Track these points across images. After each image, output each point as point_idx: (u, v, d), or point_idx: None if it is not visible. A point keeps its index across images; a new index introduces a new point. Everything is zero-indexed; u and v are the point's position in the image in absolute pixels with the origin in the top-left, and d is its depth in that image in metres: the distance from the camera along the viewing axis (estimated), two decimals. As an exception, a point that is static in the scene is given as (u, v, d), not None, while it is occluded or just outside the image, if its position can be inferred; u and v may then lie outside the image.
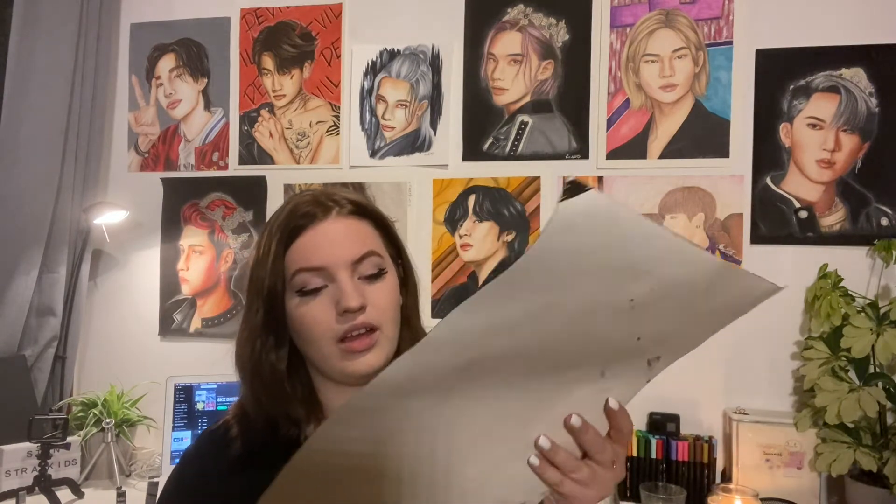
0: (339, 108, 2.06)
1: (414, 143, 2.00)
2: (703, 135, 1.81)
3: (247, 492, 0.74)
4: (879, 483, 1.49)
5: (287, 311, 0.77)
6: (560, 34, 1.91)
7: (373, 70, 2.04)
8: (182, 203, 2.16)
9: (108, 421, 1.86)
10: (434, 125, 1.99)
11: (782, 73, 1.76)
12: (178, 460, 0.84)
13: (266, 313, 0.78)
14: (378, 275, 0.77)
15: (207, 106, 2.17)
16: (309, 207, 0.78)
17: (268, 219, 0.82)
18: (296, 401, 0.78)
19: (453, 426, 0.56)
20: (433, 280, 1.95)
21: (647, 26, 1.86)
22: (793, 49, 1.76)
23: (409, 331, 0.82)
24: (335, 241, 0.76)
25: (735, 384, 1.77)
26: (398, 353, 0.80)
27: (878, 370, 1.55)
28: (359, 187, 2.01)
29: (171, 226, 2.16)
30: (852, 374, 1.56)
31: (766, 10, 1.79)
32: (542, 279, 0.49)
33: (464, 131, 1.96)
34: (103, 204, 2.09)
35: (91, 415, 1.88)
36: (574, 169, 1.88)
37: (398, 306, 0.79)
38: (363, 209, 0.80)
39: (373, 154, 2.03)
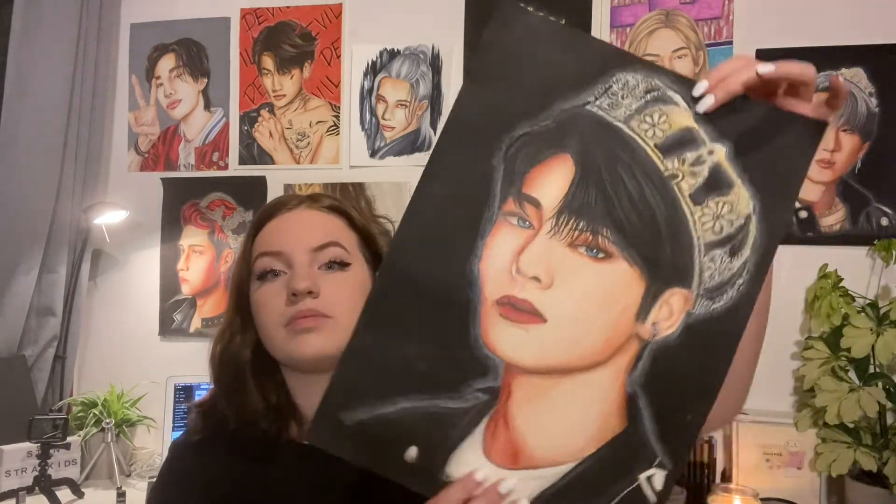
0: (339, 108, 2.06)
1: (414, 143, 2.01)
2: (703, 135, 1.81)
3: (230, 477, 0.76)
4: (879, 483, 1.49)
5: (251, 297, 0.77)
6: (560, 34, 1.91)
7: (373, 70, 2.04)
8: (182, 203, 2.16)
9: (108, 421, 1.86)
10: (434, 125, 1.99)
11: (782, 73, 1.76)
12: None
13: (235, 301, 0.79)
14: (340, 269, 0.76)
15: (207, 106, 2.17)
16: (281, 200, 0.80)
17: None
18: (259, 395, 0.77)
19: None
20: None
21: (647, 26, 1.86)
22: (793, 49, 1.76)
23: None
24: (298, 227, 0.77)
25: (735, 384, 1.77)
26: None
27: (878, 370, 1.55)
28: (359, 188, 2.00)
29: (171, 226, 2.16)
30: (852, 374, 1.56)
31: (766, 10, 1.79)
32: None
33: (464, 131, 1.96)
34: (103, 204, 2.09)
35: (91, 415, 1.88)
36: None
37: (360, 299, 0.75)
38: (341, 209, 0.80)
39: (373, 154, 2.03)
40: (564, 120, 0.65)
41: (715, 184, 0.63)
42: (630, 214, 0.63)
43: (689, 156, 0.63)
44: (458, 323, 0.63)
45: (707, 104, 0.62)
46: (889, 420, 1.57)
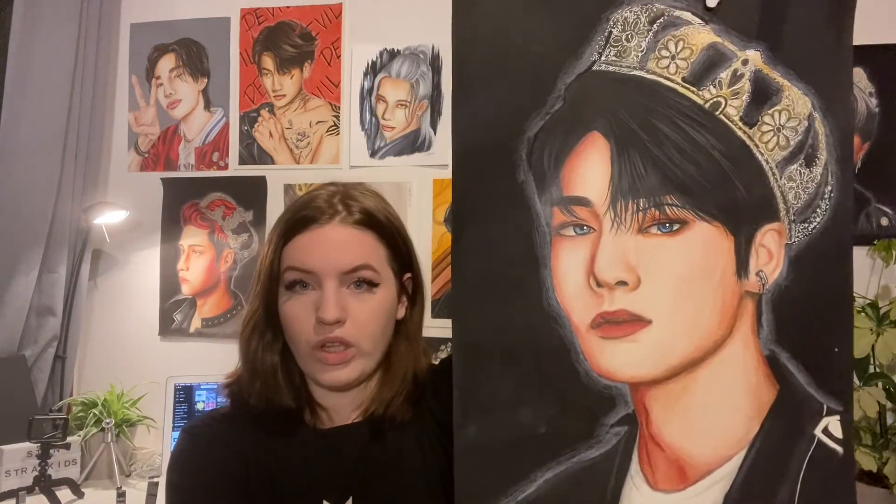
0: (339, 108, 2.06)
1: (414, 143, 2.00)
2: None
3: (256, 454, 0.77)
4: (879, 483, 1.49)
5: (279, 305, 0.78)
6: (560, 34, 1.91)
7: (373, 70, 2.04)
8: (182, 203, 2.16)
9: (108, 421, 1.86)
10: (434, 125, 1.99)
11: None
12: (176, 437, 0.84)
13: (264, 303, 0.79)
14: (368, 289, 0.76)
15: (207, 106, 2.17)
16: (317, 206, 0.78)
17: (278, 214, 0.82)
18: (288, 390, 0.79)
19: None
20: (433, 280, 1.95)
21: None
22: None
23: (409, 344, 0.82)
24: (330, 248, 0.75)
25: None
26: (391, 365, 0.81)
27: (878, 370, 1.55)
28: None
29: (171, 226, 2.15)
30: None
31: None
32: None
33: (464, 131, 1.96)
34: (103, 204, 2.09)
35: (91, 415, 1.88)
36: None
37: (386, 322, 0.79)
38: (372, 220, 0.79)
39: (373, 154, 2.03)
40: (575, 93, 0.57)
41: (762, 95, 0.56)
42: (685, 167, 0.56)
43: (724, 75, 0.56)
44: (560, 367, 0.56)
45: None
46: (889, 420, 1.57)
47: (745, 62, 0.57)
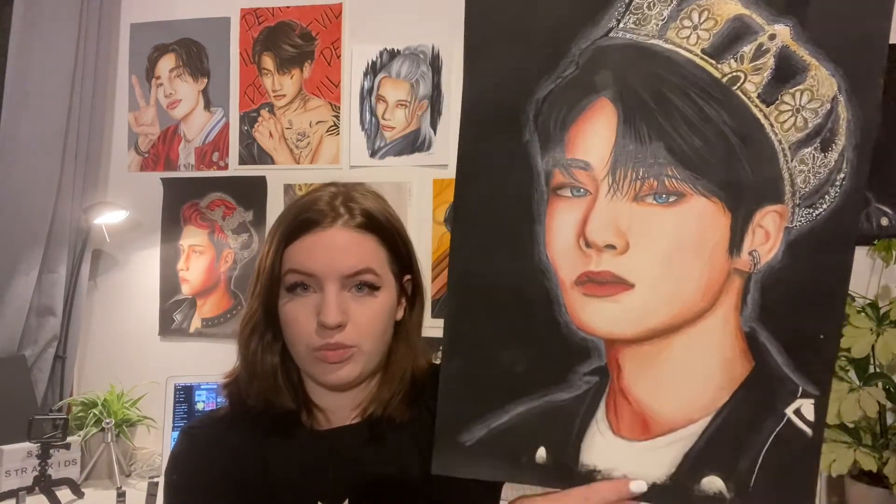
0: (339, 108, 2.06)
1: (414, 143, 2.00)
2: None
3: (253, 456, 0.77)
4: (879, 483, 1.49)
5: (279, 307, 0.78)
6: (560, 34, 1.91)
7: (373, 70, 2.04)
8: (182, 203, 2.16)
9: (108, 421, 1.86)
10: (434, 125, 1.99)
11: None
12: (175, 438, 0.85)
13: (264, 305, 0.79)
14: (369, 292, 0.76)
15: (207, 106, 2.17)
16: (319, 209, 0.77)
17: (277, 214, 0.82)
18: (287, 391, 0.79)
19: None
20: (433, 280, 1.95)
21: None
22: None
23: (407, 345, 0.82)
24: (333, 251, 0.75)
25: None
26: (389, 366, 0.81)
27: (878, 370, 1.55)
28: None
29: (171, 226, 2.15)
30: (852, 374, 1.56)
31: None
32: None
33: (464, 131, 1.96)
34: (103, 204, 2.09)
35: (91, 415, 1.88)
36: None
37: (387, 324, 0.79)
38: (373, 223, 0.78)
39: (373, 154, 2.03)
40: (589, 59, 0.56)
41: (786, 73, 0.54)
42: (692, 141, 0.55)
43: (748, 49, 0.54)
44: (543, 316, 0.59)
45: None
46: (889, 420, 1.57)
47: (771, 37, 0.55)
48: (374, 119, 2.03)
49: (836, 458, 1.52)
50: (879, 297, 1.66)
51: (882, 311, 1.54)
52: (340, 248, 0.76)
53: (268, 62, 2.12)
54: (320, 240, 0.76)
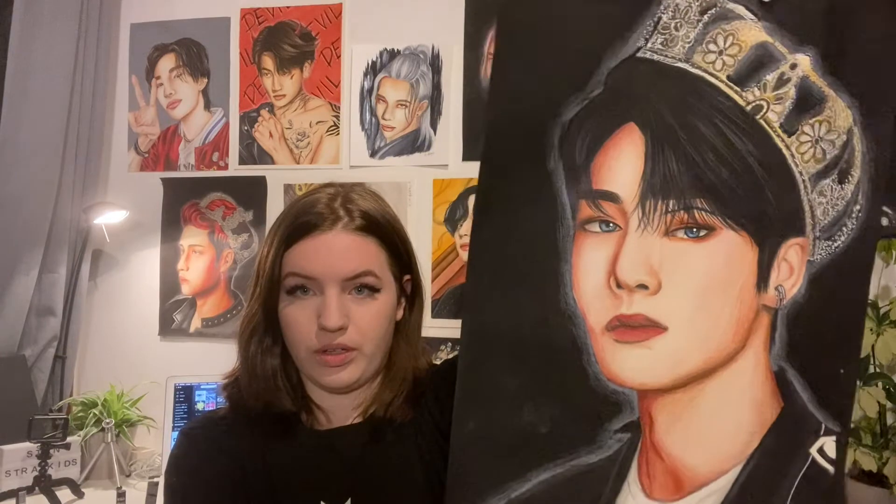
0: (339, 108, 2.06)
1: (414, 143, 2.00)
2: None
3: (253, 456, 0.77)
4: (879, 483, 1.49)
5: (279, 310, 0.78)
6: (560, 34, 1.91)
7: (373, 70, 2.04)
8: (182, 203, 2.16)
9: (108, 421, 1.86)
10: (434, 125, 1.99)
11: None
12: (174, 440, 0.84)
13: (264, 307, 0.79)
14: (370, 294, 0.76)
15: (207, 106, 2.17)
16: (318, 211, 0.77)
17: (277, 214, 0.82)
18: (287, 393, 0.79)
19: None
20: (433, 280, 1.95)
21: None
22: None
23: (408, 345, 0.82)
24: (332, 254, 0.75)
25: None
26: (390, 366, 0.81)
27: (878, 370, 1.55)
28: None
29: (171, 226, 2.15)
30: (852, 374, 1.56)
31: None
32: None
33: (464, 131, 1.96)
34: (103, 204, 2.09)
35: (91, 415, 1.88)
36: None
37: (388, 325, 0.79)
38: (373, 225, 0.78)
39: (373, 154, 2.03)
40: (617, 80, 0.54)
41: (806, 103, 0.53)
42: (719, 172, 0.53)
43: (770, 78, 0.53)
44: (571, 367, 0.54)
45: None
46: (889, 420, 1.57)
47: (793, 66, 0.54)
48: (374, 119, 2.03)
49: (836, 458, 1.52)
50: (879, 297, 1.66)
51: (882, 311, 1.54)
52: (340, 251, 0.75)
53: (268, 62, 2.12)
54: (320, 243, 0.75)
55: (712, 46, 0.54)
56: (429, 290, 1.95)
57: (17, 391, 1.93)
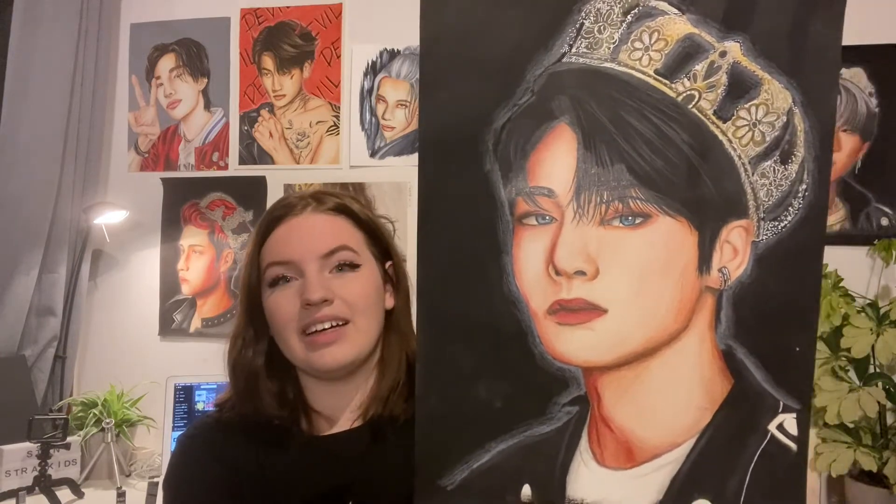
0: (339, 108, 2.06)
1: (414, 143, 2.00)
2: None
3: (250, 465, 0.77)
4: (879, 483, 1.49)
5: (263, 304, 0.78)
6: (560, 34, 1.91)
7: (373, 70, 2.04)
8: (182, 203, 2.16)
9: (108, 421, 1.86)
10: (434, 125, 1.99)
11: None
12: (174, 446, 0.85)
13: (246, 308, 0.80)
14: (351, 270, 0.76)
15: (207, 106, 2.17)
16: (288, 203, 0.78)
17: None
18: (272, 397, 0.78)
19: None
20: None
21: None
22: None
23: (398, 335, 0.82)
24: (305, 235, 0.76)
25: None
26: (384, 356, 0.81)
27: (878, 370, 1.55)
28: (359, 188, 2.00)
29: (171, 226, 2.15)
30: (852, 374, 1.56)
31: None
32: None
33: (464, 131, 1.96)
34: (103, 204, 2.09)
35: (91, 415, 1.88)
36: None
37: (376, 300, 0.79)
38: (344, 208, 0.79)
39: (373, 154, 2.03)
40: (544, 85, 0.57)
41: (739, 88, 0.55)
42: (653, 162, 0.55)
43: (700, 68, 0.55)
44: (517, 348, 0.57)
45: None
46: (889, 420, 1.57)
47: (722, 54, 0.55)
48: (374, 119, 2.03)
49: (836, 458, 1.52)
50: (879, 297, 1.66)
51: (882, 311, 1.54)
52: (313, 230, 0.76)
53: (268, 62, 2.12)
54: (292, 227, 0.76)
55: (637, 44, 0.56)
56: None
57: (17, 391, 1.93)
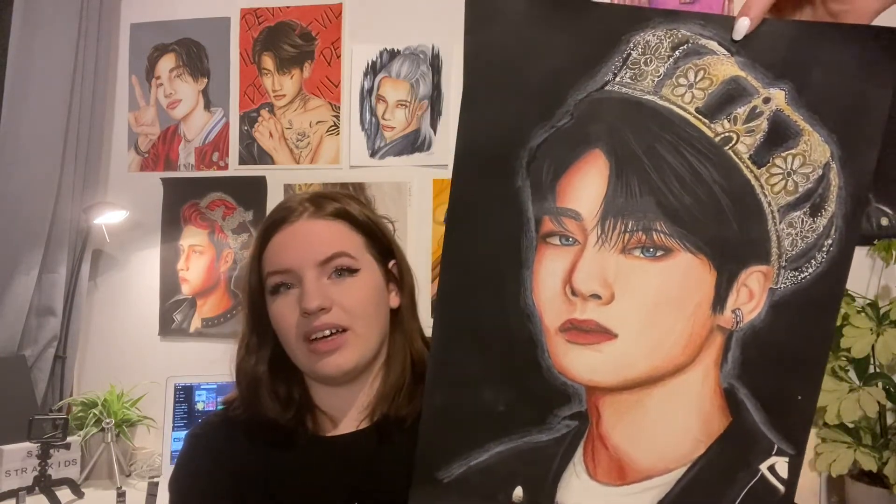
0: (339, 108, 2.06)
1: (414, 143, 2.00)
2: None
3: (254, 467, 0.77)
4: (879, 483, 1.49)
5: (268, 311, 0.78)
6: (560, 34, 1.91)
7: (373, 70, 2.04)
8: (182, 203, 2.16)
9: (108, 421, 1.86)
10: (434, 125, 1.99)
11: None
12: (182, 443, 0.85)
13: (248, 315, 0.80)
14: (350, 275, 0.76)
15: (207, 106, 2.17)
16: (287, 207, 0.79)
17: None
18: (276, 401, 0.79)
19: None
20: (433, 280, 1.95)
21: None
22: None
23: (402, 334, 0.82)
24: (303, 242, 0.76)
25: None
26: (389, 359, 0.81)
27: (878, 370, 1.55)
28: (359, 188, 2.01)
29: (171, 226, 2.15)
30: (852, 374, 1.56)
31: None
32: None
33: (464, 131, 1.96)
34: (103, 204, 2.09)
35: (91, 415, 1.88)
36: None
37: (378, 304, 0.79)
38: (342, 212, 0.79)
39: (373, 154, 2.03)
40: (584, 111, 0.57)
41: (779, 136, 0.55)
42: (682, 198, 0.55)
43: (741, 111, 0.55)
44: (526, 359, 0.59)
45: (743, 27, 0.53)
46: (889, 420, 1.57)
47: (766, 100, 0.55)
48: (374, 119, 2.03)
49: (836, 458, 1.52)
50: (879, 297, 1.66)
51: (882, 311, 1.54)
52: (310, 237, 0.76)
53: (268, 62, 2.12)
54: (290, 234, 0.77)
55: (682, 80, 0.56)
56: (428, 289, 1.95)
57: (17, 391, 1.93)
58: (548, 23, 0.58)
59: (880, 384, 1.53)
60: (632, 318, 0.57)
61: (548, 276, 0.59)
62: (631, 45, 0.56)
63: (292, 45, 2.10)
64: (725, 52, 0.55)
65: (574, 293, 0.58)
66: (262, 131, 2.12)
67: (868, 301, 1.60)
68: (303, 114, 2.09)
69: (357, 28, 2.06)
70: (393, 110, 2.02)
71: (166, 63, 2.20)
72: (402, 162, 2.01)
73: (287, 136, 2.10)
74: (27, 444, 1.71)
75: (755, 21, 0.53)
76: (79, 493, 1.73)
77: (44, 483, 1.67)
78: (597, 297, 0.57)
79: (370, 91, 2.04)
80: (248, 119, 2.13)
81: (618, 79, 0.57)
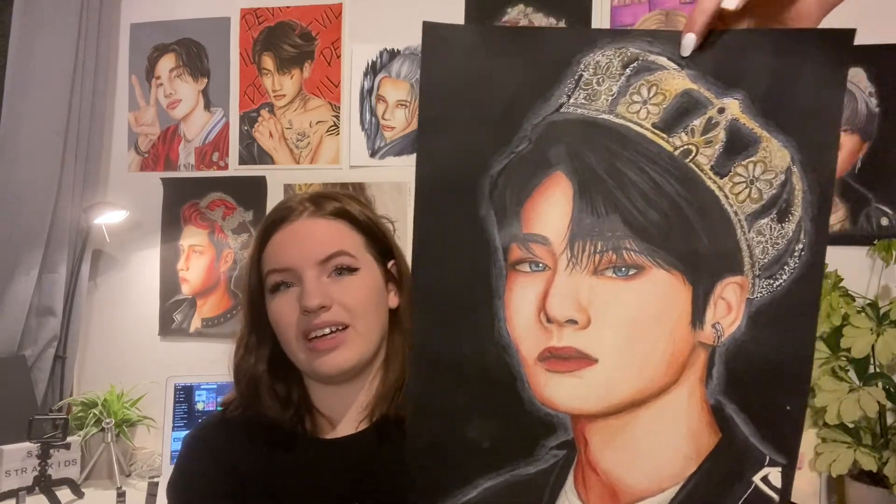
0: (339, 108, 2.06)
1: (414, 143, 2.00)
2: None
3: (254, 468, 0.77)
4: (879, 483, 1.49)
5: (267, 310, 0.78)
6: (560, 34, 1.91)
7: (373, 70, 2.04)
8: (182, 203, 2.16)
9: (108, 421, 1.86)
10: (434, 125, 1.99)
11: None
12: (180, 446, 0.85)
13: (248, 313, 0.80)
14: (349, 274, 0.77)
15: (207, 106, 2.17)
16: (287, 206, 0.79)
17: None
18: (275, 401, 0.79)
19: None
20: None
21: (648, 26, 1.86)
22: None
23: (401, 334, 0.82)
24: (302, 241, 0.76)
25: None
26: (389, 355, 0.81)
27: (878, 370, 1.55)
28: (359, 188, 2.01)
29: (171, 226, 2.15)
30: (852, 374, 1.56)
31: (766, 10, 1.79)
32: None
33: (464, 131, 1.96)
34: (103, 204, 2.09)
35: (91, 415, 1.88)
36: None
37: (377, 303, 0.79)
38: (342, 211, 0.80)
39: (373, 154, 2.03)
40: (541, 134, 0.57)
41: (737, 145, 0.55)
42: (648, 214, 0.55)
43: (698, 123, 0.55)
44: (506, 392, 0.58)
45: (689, 43, 0.53)
46: (889, 420, 1.57)
47: (721, 110, 0.55)
48: (374, 119, 2.04)
49: (836, 458, 1.52)
50: (879, 297, 1.66)
51: (882, 311, 1.54)
52: (310, 235, 0.77)
53: (268, 62, 2.12)
54: (290, 233, 0.77)
55: (636, 97, 0.56)
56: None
57: (17, 391, 1.93)
58: (499, 51, 0.58)
59: (880, 384, 1.53)
60: (610, 340, 0.56)
61: (521, 304, 0.57)
62: (582, 66, 0.56)
63: (292, 45, 2.10)
64: (676, 67, 0.55)
65: (549, 320, 0.57)
66: (262, 131, 2.12)
67: (868, 301, 1.60)
68: (303, 114, 2.09)
69: (357, 28, 2.06)
70: (393, 110, 2.02)
71: (166, 63, 2.20)
72: (402, 162, 2.01)
73: (287, 136, 2.10)
74: (27, 444, 1.71)
75: (700, 36, 0.53)
76: (79, 493, 1.73)
77: (44, 483, 1.67)
78: (573, 322, 0.56)
79: (370, 91, 2.04)
80: (248, 119, 2.13)
81: (572, 100, 0.57)
